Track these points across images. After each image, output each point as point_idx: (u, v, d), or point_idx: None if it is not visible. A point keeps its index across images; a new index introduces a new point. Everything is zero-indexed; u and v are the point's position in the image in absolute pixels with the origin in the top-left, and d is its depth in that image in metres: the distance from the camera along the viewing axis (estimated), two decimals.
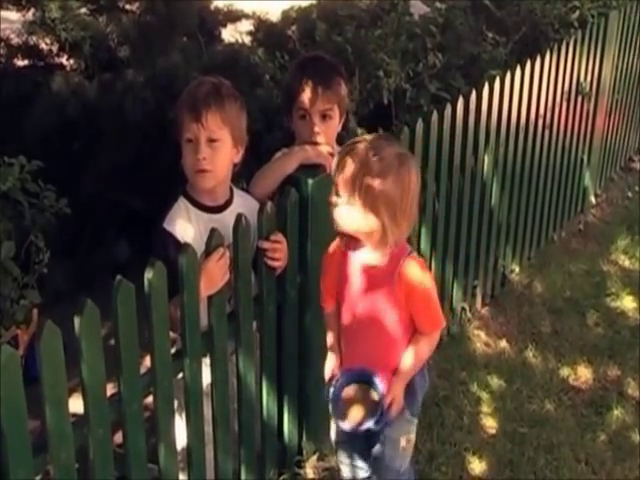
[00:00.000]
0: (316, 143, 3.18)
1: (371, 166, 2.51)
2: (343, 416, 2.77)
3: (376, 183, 2.51)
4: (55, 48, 4.57)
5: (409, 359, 2.75)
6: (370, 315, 2.75)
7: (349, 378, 2.76)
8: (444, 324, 2.82)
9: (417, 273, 2.67)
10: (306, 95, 3.17)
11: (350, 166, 2.54)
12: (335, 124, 3.25)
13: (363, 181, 2.51)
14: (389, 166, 2.53)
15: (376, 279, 2.71)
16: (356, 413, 2.74)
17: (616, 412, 3.93)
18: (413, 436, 2.97)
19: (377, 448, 2.94)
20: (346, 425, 2.77)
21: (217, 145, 2.83)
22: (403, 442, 2.92)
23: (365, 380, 2.73)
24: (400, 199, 2.54)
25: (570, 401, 4.00)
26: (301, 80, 3.21)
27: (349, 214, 2.57)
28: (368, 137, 2.67)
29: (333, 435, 3.05)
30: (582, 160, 5.54)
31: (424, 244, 3.94)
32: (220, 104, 2.84)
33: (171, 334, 2.66)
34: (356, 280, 2.77)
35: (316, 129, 3.18)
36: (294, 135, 3.29)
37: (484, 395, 3.98)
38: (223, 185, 2.94)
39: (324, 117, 3.20)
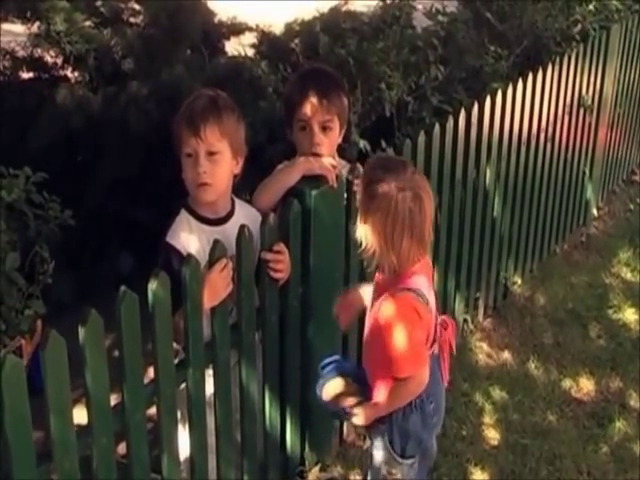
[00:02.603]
0: (317, 154, 3.18)
1: (372, 184, 2.63)
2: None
3: (366, 204, 2.65)
4: (60, 61, 4.59)
5: (379, 396, 2.77)
6: (367, 320, 2.86)
7: (330, 373, 2.89)
8: (410, 374, 2.69)
9: (388, 314, 2.65)
10: (306, 106, 3.18)
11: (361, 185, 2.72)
12: (335, 135, 3.26)
13: (361, 198, 2.69)
14: (380, 192, 2.60)
15: (377, 290, 2.78)
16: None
17: (618, 424, 3.93)
18: (396, 473, 2.89)
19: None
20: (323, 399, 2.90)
21: (216, 158, 2.84)
22: (384, 470, 2.91)
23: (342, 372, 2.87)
24: (386, 224, 2.58)
25: (572, 413, 4.01)
26: (301, 92, 3.23)
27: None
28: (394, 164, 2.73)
29: None
30: (584, 173, 5.54)
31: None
32: (218, 117, 2.85)
33: (174, 345, 2.67)
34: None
35: (316, 140, 3.19)
36: (296, 147, 3.31)
37: (486, 406, 3.99)
38: (224, 197, 2.96)
39: (324, 128, 3.20)
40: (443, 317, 2.88)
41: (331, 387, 2.86)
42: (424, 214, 2.62)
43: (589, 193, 5.71)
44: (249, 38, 5.16)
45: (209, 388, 2.82)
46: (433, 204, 2.69)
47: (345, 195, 3.28)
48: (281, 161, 3.29)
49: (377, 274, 2.81)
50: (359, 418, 2.83)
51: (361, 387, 2.84)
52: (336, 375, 2.88)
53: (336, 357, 3.00)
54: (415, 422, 2.82)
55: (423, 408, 2.81)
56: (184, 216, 2.93)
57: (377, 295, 2.77)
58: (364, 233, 2.65)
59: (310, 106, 3.19)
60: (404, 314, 2.63)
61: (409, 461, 2.89)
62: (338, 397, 2.85)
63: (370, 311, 2.83)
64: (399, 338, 2.63)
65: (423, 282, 2.71)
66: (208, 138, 2.82)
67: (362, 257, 2.73)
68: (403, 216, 2.57)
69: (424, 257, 2.75)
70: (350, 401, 2.82)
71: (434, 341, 2.78)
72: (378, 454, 2.91)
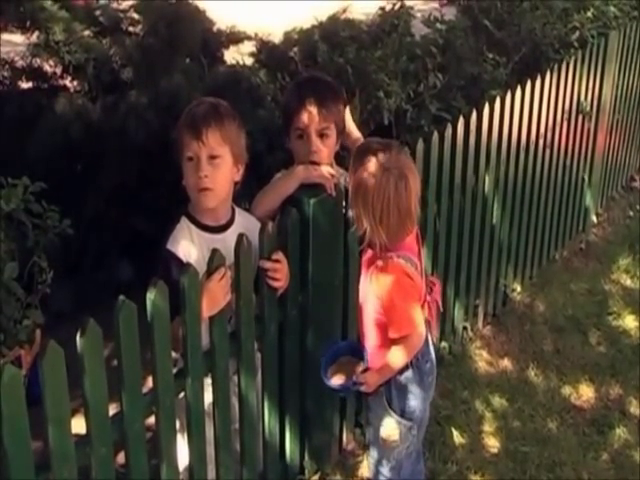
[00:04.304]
0: (314, 162, 3.19)
1: (360, 166, 2.82)
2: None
3: (354, 179, 2.84)
4: (59, 70, 4.59)
5: (387, 358, 2.92)
6: (360, 294, 3.04)
7: (337, 352, 3.03)
8: (409, 332, 2.87)
9: (382, 280, 2.85)
10: (303, 114, 3.19)
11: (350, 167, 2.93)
12: (332, 143, 3.26)
13: (351, 179, 2.88)
14: (368, 172, 2.78)
15: (366, 263, 2.97)
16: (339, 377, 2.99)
17: (618, 431, 3.93)
18: (395, 434, 3.02)
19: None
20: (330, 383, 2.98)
21: (218, 162, 2.85)
22: (383, 433, 3.03)
23: (354, 353, 3.01)
24: (375, 203, 2.76)
25: (572, 420, 4.00)
26: (298, 100, 3.23)
27: None
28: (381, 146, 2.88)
29: None
30: (583, 179, 5.55)
31: (425, 263, 3.94)
32: (219, 122, 2.86)
33: (173, 354, 2.67)
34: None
35: (313, 148, 3.19)
36: (293, 155, 3.31)
37: (486, 414, 3.99)
38: (224, 204, 2.96)
39: (321, 136, 3.21)
40: (429, 278, 3.11)
41: (334, 370, 2.98)
42: (409, 191, 2.78)
43: (588, 199, 5.70)
44: (248, 47, 5.15)
45: (208, 397, 2.82)
46: (419, 181, 2.88)
47: (343, 203, 3.28)
48: (279, 170, 3.29)
49: (367, 250, 2.96)
50: (367, 385, 2.94)
51: (360, 358, 2.96)
52: (334, 359, 2.99)
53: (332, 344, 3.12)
54: (413, 380, 2.99)
55: (420, 367, 3.00)
56: (184, 223, 2.93)
57: (367, 267, 2.95)
58: (356, 213, 2.83)
59: (307, 114, 3.19)
60: (397, 277, 2.84)
61: (408, 423, 3.03)
62: (342, 376, 2.96)
63: (363, 282, 2.99)
64: (395, 300, 2.83)
65: (411, 249, 2.92)
66: (210, 142, 2.83)
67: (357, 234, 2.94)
68: (389, 195, 2.75)
69: (412, 231, 2.93)
70: (357, 370, 2.93)
71: (424, 303, 2.97)
72: (377, 419, 3.04)
